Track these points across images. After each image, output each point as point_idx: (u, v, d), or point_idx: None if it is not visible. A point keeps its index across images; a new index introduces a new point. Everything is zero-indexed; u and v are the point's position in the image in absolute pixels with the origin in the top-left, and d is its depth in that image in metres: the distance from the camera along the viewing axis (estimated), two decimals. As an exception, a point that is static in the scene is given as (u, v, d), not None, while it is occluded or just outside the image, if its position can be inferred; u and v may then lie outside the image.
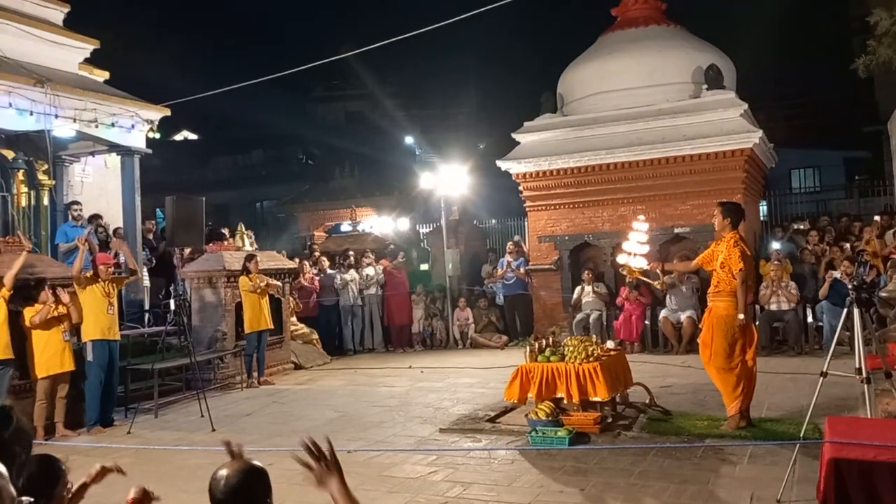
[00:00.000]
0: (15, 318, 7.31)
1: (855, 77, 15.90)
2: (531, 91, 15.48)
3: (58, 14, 11.11)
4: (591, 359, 6.67)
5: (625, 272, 6.73)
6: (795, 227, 12.83)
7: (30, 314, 7.32)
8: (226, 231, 13.20)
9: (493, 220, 18.18)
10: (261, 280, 10.03)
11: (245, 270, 10.04)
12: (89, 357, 7.61)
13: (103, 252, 10.75)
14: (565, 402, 6.64)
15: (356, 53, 12.16)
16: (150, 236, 12.00)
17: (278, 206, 26.56)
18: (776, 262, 10.77)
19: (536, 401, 6.62)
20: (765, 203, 16.29)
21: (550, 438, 6.13)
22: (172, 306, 8.70)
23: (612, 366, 6.83)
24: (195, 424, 7.74)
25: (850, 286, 4.67)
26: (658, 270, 6.70)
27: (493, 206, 18.91)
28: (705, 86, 12.06)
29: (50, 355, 7.28)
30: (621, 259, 6.64)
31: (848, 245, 11.31)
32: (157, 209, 18.57)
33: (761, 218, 15.59)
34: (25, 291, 7.42)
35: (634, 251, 6.48)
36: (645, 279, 6.88)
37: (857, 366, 4.61)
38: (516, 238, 14.75)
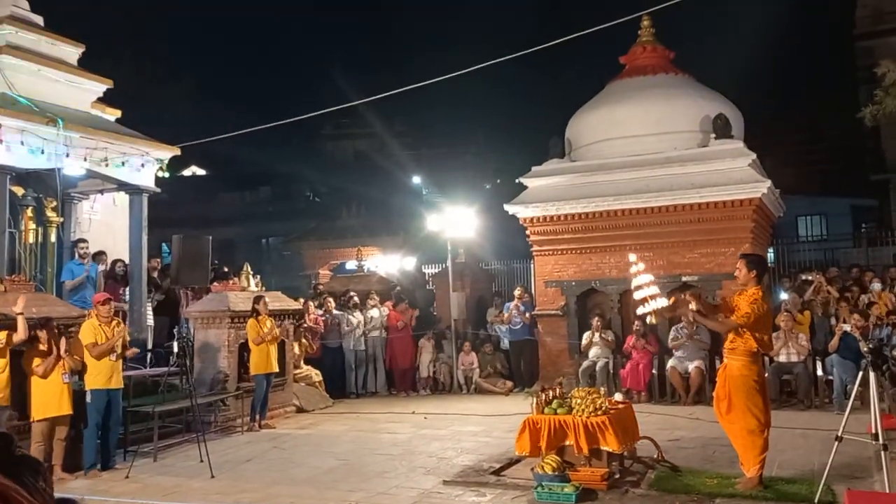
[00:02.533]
0: (16, 357, 7.24)
1: (862, 125, 16.00)
2: (539, 132, 15.60)
3: (73, 54, 11.24)
4: (599, 412, 6.57)
5: (654, 319, 6.55)
6: (803, 277, 12.74)
7: (31, 354, 7.25)
8: (229, 269, 13.20)
9: (500, 263, 18.11)
10: (270, 326, 9.98)
11: (254, 312, 9.98)
12: (88, 399, 7.53)
13: (115, 287, 10.77)
14: (576, 453, 6.51)
15: (363, 93, 12.27)
16: (155, 274, 11.96)
17: (284, 243, 26.58)
18: (786, 313, 10.66)
19: (545, 452, 6.51)
20: (772, 250, 16.23)
21: (557, 494, 6.00)
22: (175, 347, 8.61)
23: (620, 419, 6.72)
24: (194, 470, 7.60)
25: (865, 349, 4.59)
26: (683, 303, 6.45)
27: (500, 248, 18.87)
28: (713, 135, 12.08)
29: (48, 398, 7.18)
30: (643, 309, 6.48)
31: (863, 297, 11.20)
32: (164, 244, 18.60)
33: (769, 265, 15.52)
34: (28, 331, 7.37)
35: (650, 294, 6.36)
36: (674, 311, 6.61)
37: (874, 431, 4.51)
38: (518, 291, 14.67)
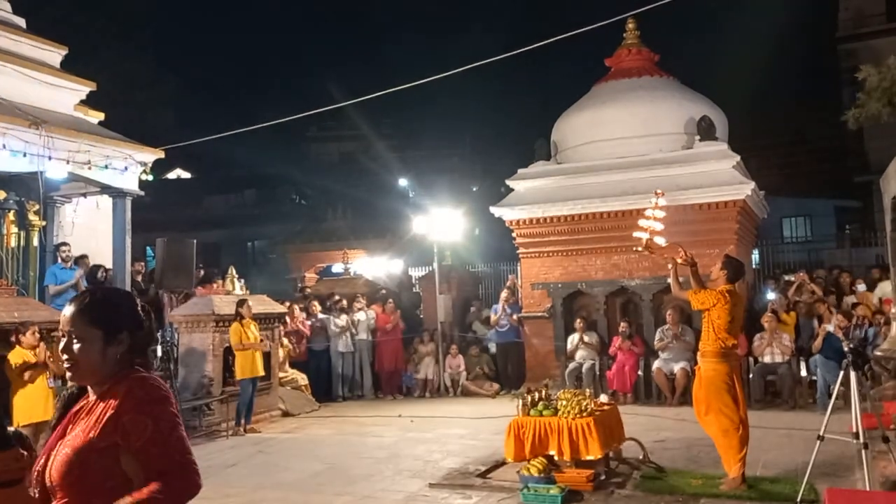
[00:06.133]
0: (-1, 363, 7.18)
1: (846, 127, 16.13)
2: (526, 134, 15.63)
3: (55, 56, 11.15)
4: (584, 414, 6.57)
5: (642, 248, 6.60)
6: (787, 278, 12.83)
7: (14, 359, 7.18)
8: (216, 272, 13.15)
9: (486, 266, 18.12)
10: (255, 330, 9.95)
11: (238, 316, 9.93)
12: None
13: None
14: (557, 458, 6.53)
15: (348, 95, 12.26)
16: (140, 278, 11.87)
17: (270, 246, 26.48)
18: (770, 313, 10.72)
19: (529, 456, 6.52)
20: (757, 251, 16.33)
21: (543, 496, 6.01)
22: (159, 352, 8.56)
23: (605, 421, 6.73)
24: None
25: (846, 349, 4.63)
26: (677, 252, 6.53)
27: (487, 250, 18.90)
28: (698, 137, 12.15)
29: (33, 402, 7.12)
30: (638, 234, 6.56)
31: (848, 298, 11.29)
32: (148, 247, 18.47)
33: (754, 266, 15.61)
34: (10, 336, 7.31)
35: (653, 227, 6.44)
36: (665, 254, 6.74)
37: (854, 430, 4.54)
38: (509, 282, 14.67)
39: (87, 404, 2.09)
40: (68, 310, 2.09)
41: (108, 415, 1.99)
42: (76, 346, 2.05)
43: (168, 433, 1.98)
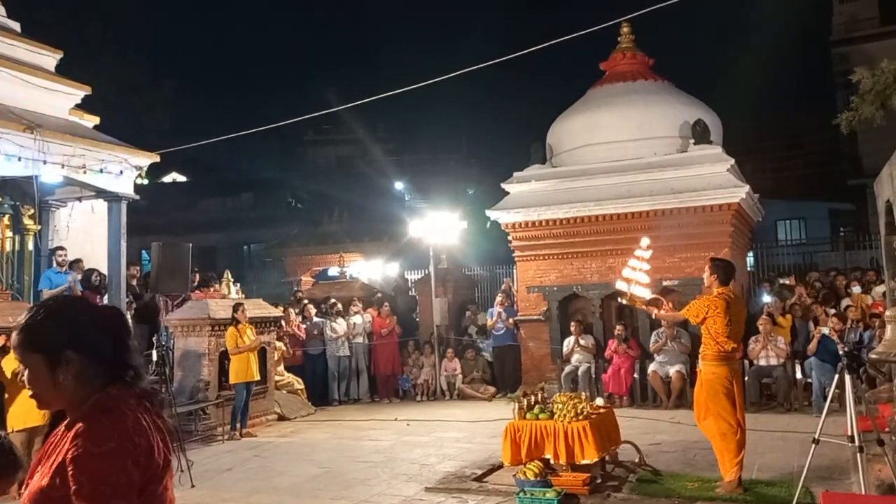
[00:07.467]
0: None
1: (839, 130, 16.19)
2: (521, 138, 15.66)
3: (50, 60, 11.13)
4: (580, 417, 6.58)
5: (625, 300, 6.63)
6: (782, 281, 12.86)
7: (9, 365, 7.15)
8: (213, 276, 13.14)
9: (482, 269, 18.13)
10: (251, 334, 9.92)
11: (234, 321, 9.91)
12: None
13: (91, 297, 10.64)
14: (553, 462, 6.54)
15: (344, 99, 12.25)
16: (134, 282, 11.85)
17: (266, 249, 26.44)
18: (766, 316, 10.75)
19: (525, 460, 6.53)
20: (752, 254, 16.39)
21: (539, 500, 6.02)
22: (155, 356, 8.54)
23: (601, 424, 6.74)
24: (174, 480, 7.51)
25: (841, 352, 4.64)
26: (660, 305, 6.59)
27: (483, 253, 18.91)
28: (692, 140, 12.20)
29: (28, 407, 7.07)
30: (621, 285, 6.58)
31: (843, 305, 11.32)
32: (143, 251, 18.44)
33: (748, 269, 15.66)
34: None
35: (636, 279, 6.43)
36: (645, 307, 6.80)
37: (850, 433, 4.55)
38: (504, 286, 14.68)
39: (60, 432, 1.85)
40: (14, 336, 1.87)
41: (59, 461, 1.75)
42: (27, 375, 1.84)
43: (104, 501, 1.69)
